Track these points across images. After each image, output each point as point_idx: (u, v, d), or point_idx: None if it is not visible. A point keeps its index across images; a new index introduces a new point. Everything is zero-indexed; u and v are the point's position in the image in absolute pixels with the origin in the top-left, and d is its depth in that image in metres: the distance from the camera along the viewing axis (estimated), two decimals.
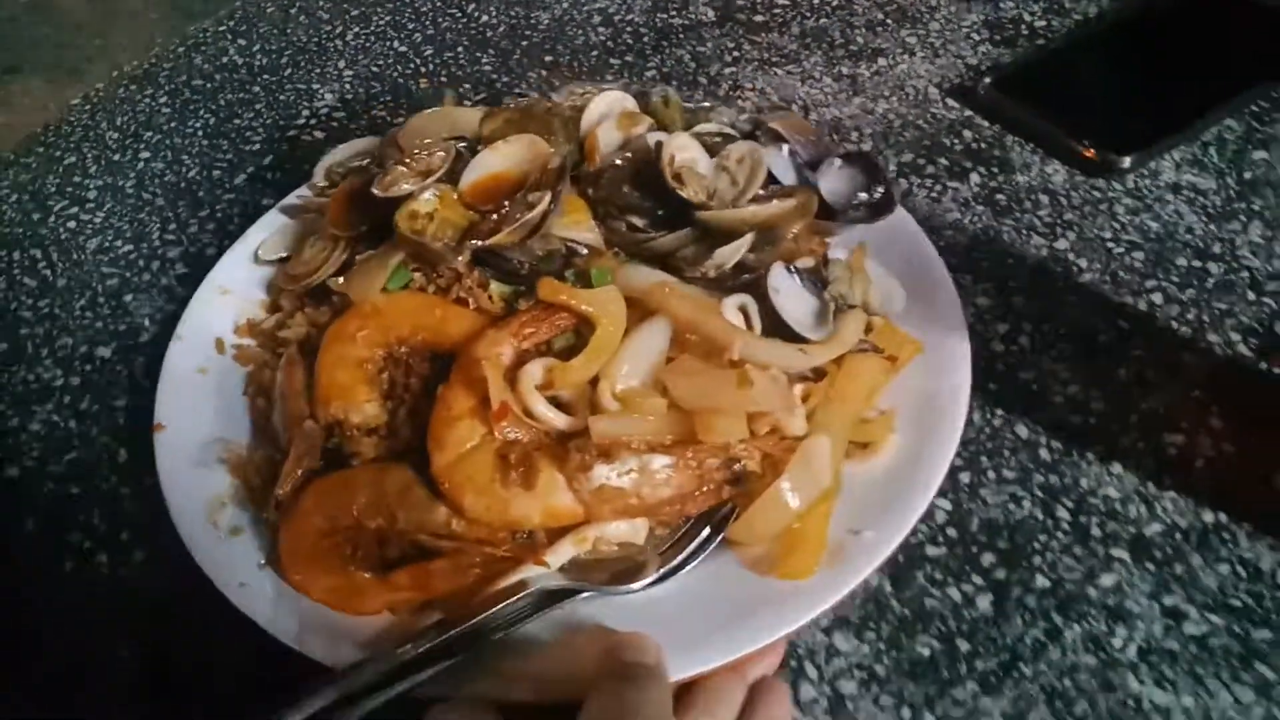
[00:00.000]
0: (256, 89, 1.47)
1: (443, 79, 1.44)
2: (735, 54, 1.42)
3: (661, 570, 0.78)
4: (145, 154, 1.37)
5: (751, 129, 1.06)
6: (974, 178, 1.19)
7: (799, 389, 0.86)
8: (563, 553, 0.79)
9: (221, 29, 1.60)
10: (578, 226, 0.90)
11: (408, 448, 0.84)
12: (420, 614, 0.77)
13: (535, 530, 0.79)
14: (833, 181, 1.06)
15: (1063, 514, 0.86)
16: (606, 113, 1.00)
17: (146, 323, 1.12)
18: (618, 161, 0.94)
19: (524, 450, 0.79)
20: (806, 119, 1.10)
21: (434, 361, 0.88)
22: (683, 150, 0.93)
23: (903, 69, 1.36)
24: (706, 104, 1.12)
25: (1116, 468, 0.88)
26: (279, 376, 0.89)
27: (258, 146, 1.36)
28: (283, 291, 0.99)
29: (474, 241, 0.85)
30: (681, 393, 0.81)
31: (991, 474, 0.90)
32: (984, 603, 0.81)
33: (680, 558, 0.78)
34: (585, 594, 0.76)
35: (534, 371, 0.82)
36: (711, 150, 0.97)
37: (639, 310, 0.86)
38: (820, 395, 0.86)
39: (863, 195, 1.05)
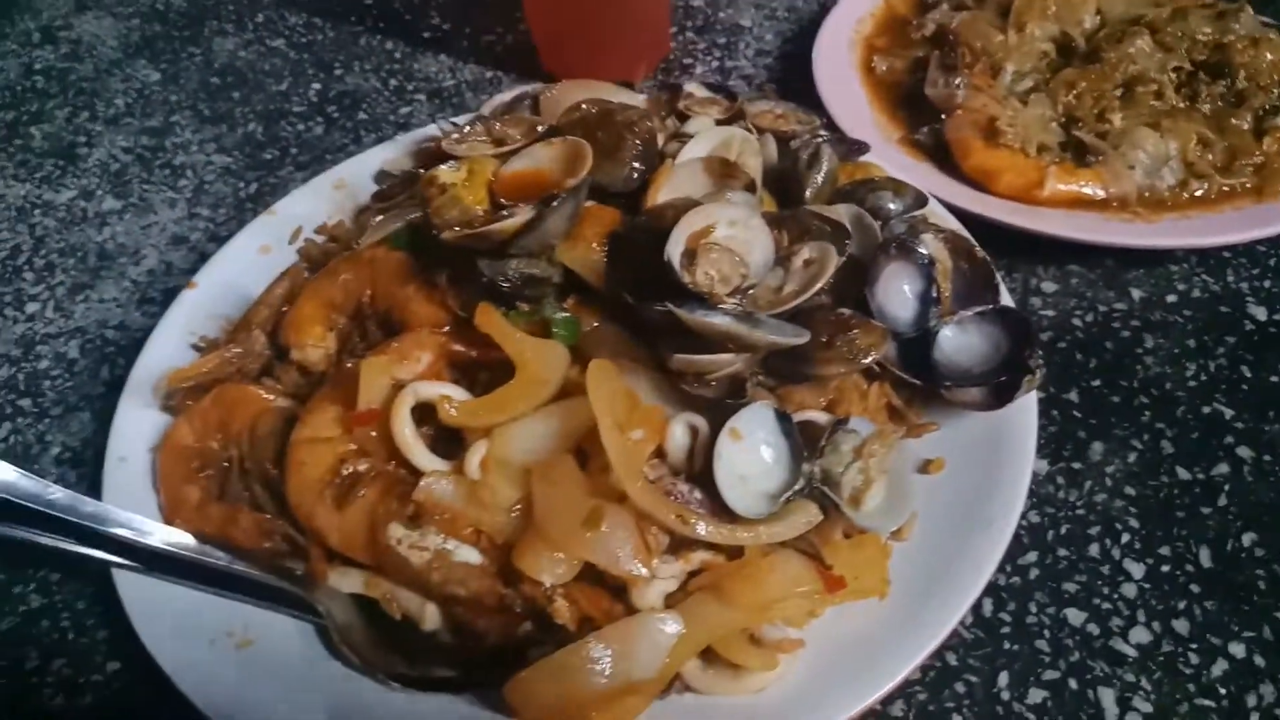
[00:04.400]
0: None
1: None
2: None
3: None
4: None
5: (897, 237, 0.83)
6: None
7: (694, 560, 0.68)
8: (350, 580, 0.72)
9: None
10: (583, 260, 0.78)
11: None
12: None
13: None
14: (963, 337, 0.81)
15: None
16: (711, 151, 0.83)
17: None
18: (665, 208, 0.78)
19: (360, 472, 0.72)
20: (978, 251, 0.83)
21: (389, 334, 0.82)
22: (734, 225, 0.75)
23: None
24: (880, 179, 0.90)
25: None
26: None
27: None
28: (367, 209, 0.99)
29: (449, 231, 0.76)
30: (535, 497, 0.68)
31: None
32: None
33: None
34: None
35: (421, 391, 0.73)
36: (801, 236, 0.78)
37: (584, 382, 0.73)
38: (710, 580, 0.67)
39: (982, 368, 0.79)
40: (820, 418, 0.74)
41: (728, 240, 0.75)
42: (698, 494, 0.69)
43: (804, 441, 0.71)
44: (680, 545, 0.69)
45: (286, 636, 0.72)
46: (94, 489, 0.82)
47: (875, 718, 0.71)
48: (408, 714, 0.68)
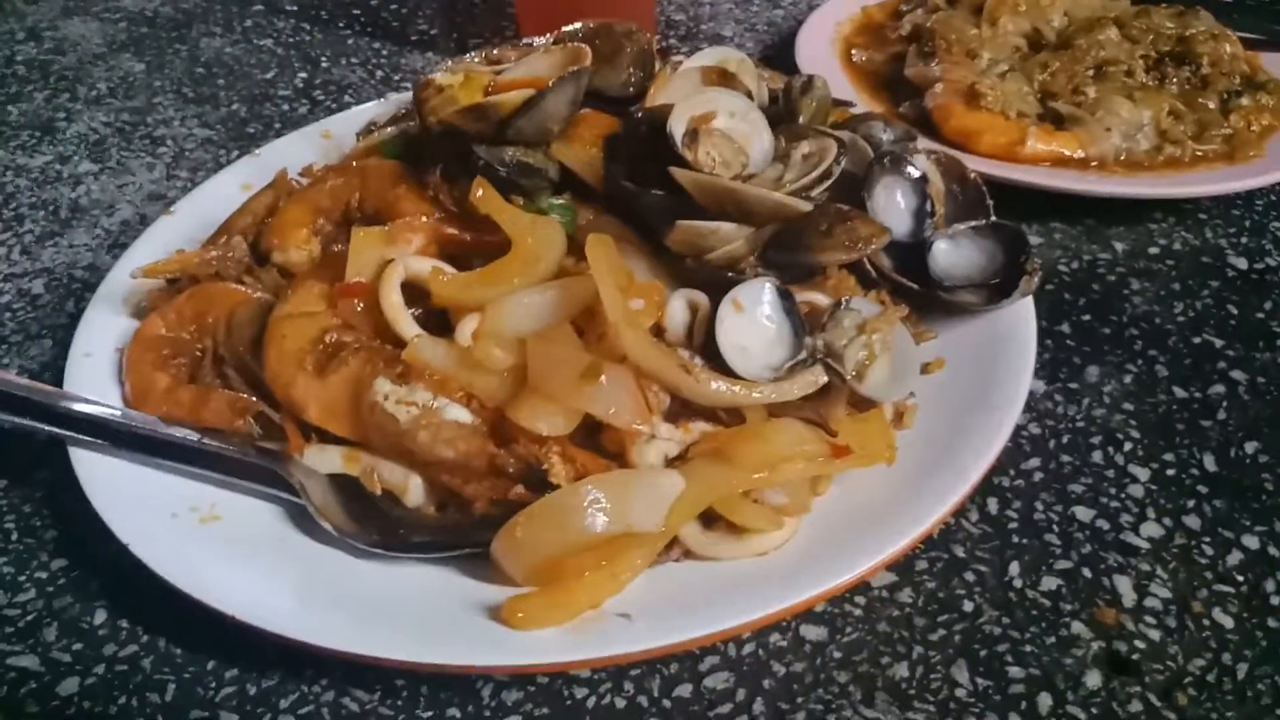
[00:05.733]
0: None
1: None
2: None
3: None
4: None
5: (890, 151, 0.84)
6: None
7: (694, 430, 0.65)
8: (327, 457, 0.68)
9: None
10: (579, 157, 0.77)
11: None
12: None
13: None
14: (957, 250, 0.81)
15: None
16: (704, 64, 0.84)
17: None
18: (664, 106, 0.78)
19: (343, 340, 0.69)
20: (970, 172, 0.84)
21: None
22: (734, 117, 0.75)
23: None
24: (872, 112, 0.91)
25: None
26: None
27: None
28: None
29: (437, 118, 0.75)
30: (530, 357, 0.65)
31: None
32: None
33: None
34: None
35: (411, 265, 0.71)
36: (796, 141, 0.78)
37: (582, 269, 0.71)
38: (711, 445, 0.64)
39: (983, 277, 0.79)
40: (821, 299, 0.72)
41: (729, 130, 0.75)
42: (698, 360, 0.67)
43: (806, 320, 0.70)
44: (680, 415, 0.66)
45: (255, 513, 0.68)
46: None
47: (883, 604, 0.67)
48: (384, 582, 0.63)
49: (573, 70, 0.75)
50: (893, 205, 0.82)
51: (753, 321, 0.69)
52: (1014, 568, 0.69)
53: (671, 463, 0.65)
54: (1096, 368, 0.85)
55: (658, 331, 0.70)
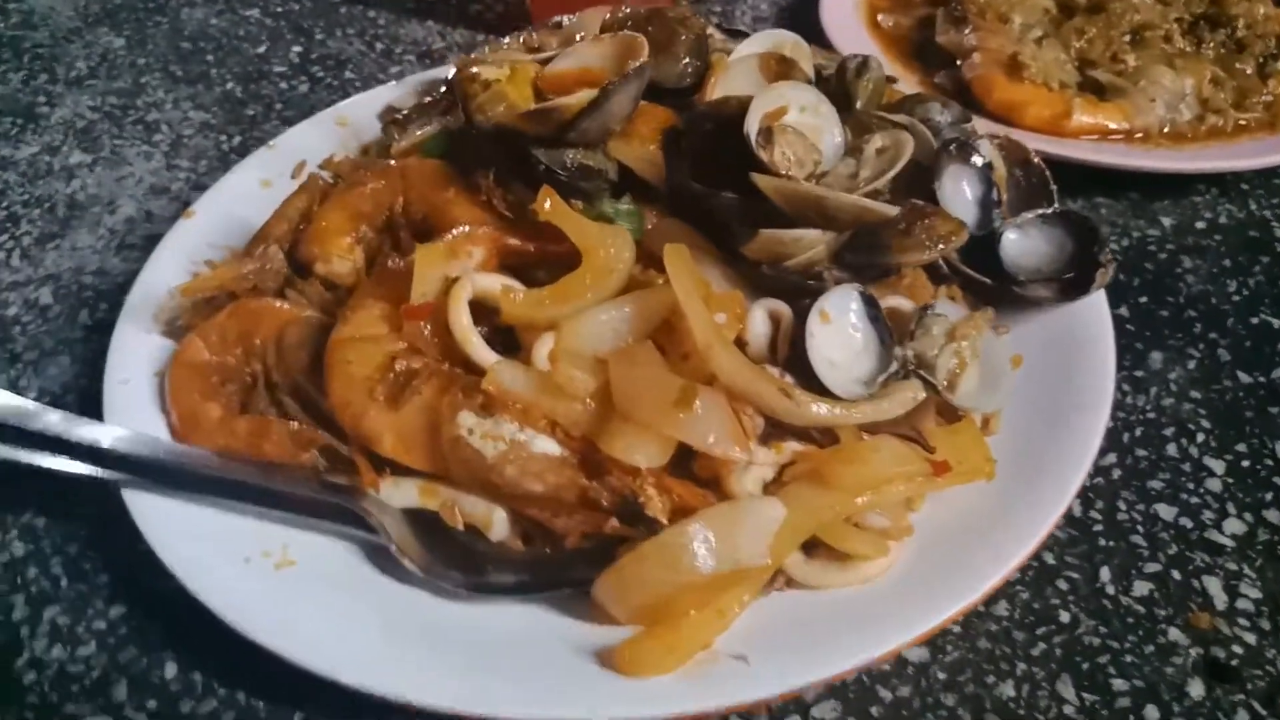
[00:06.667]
0: None
1: None
2: None
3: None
4: None
5: (956, 138, 0.81)
6: None
7: (786, 450, 0.63)
8: (403, 491, 0.65)
9: None
10: (638, 155, 0.73)
11: None
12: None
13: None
14: (1026, 241, 0.78)
15: None
16: (760, 50, 0.80)
17: None
18: (727, 99, 0.74)
19: (414, 368, 0.65)
20: (1034, 157, 0.82)
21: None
22: (804, 111, 0.72)
23: None
24: (926, 94, 0.88)
25: None
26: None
27: None
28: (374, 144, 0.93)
29: (489, 117, 0.71)
30: (615, 381, 0.62)
31: None
32: None
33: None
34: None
35: (479, 283, 0.67)
36: (862, 132, 0.75)
37: (652, 282, 0.68)
38: (808, 468, 0.62)
39: (1051, 268, 0.77)
40: (905, 304, 0.70)
41: (800, 125, 0.72)
42: (789, 378, 0.65)
43: (892, 327, 0.68)
44: (771, 435, 0.64)
45: (330, 554, 0.64)
46: None
47: (980, 619, 0.66)
48: (475, 625, 0.60)
49: (636, 66, 0.71)
50: (960, 195, 0.79)
51: (840, 332, 0.67)
52: (1104, 573, 0.68)
53: (767, 487, 0.63)
54: (1160, 353, 0.84)
55: (739, 344, 0.67)
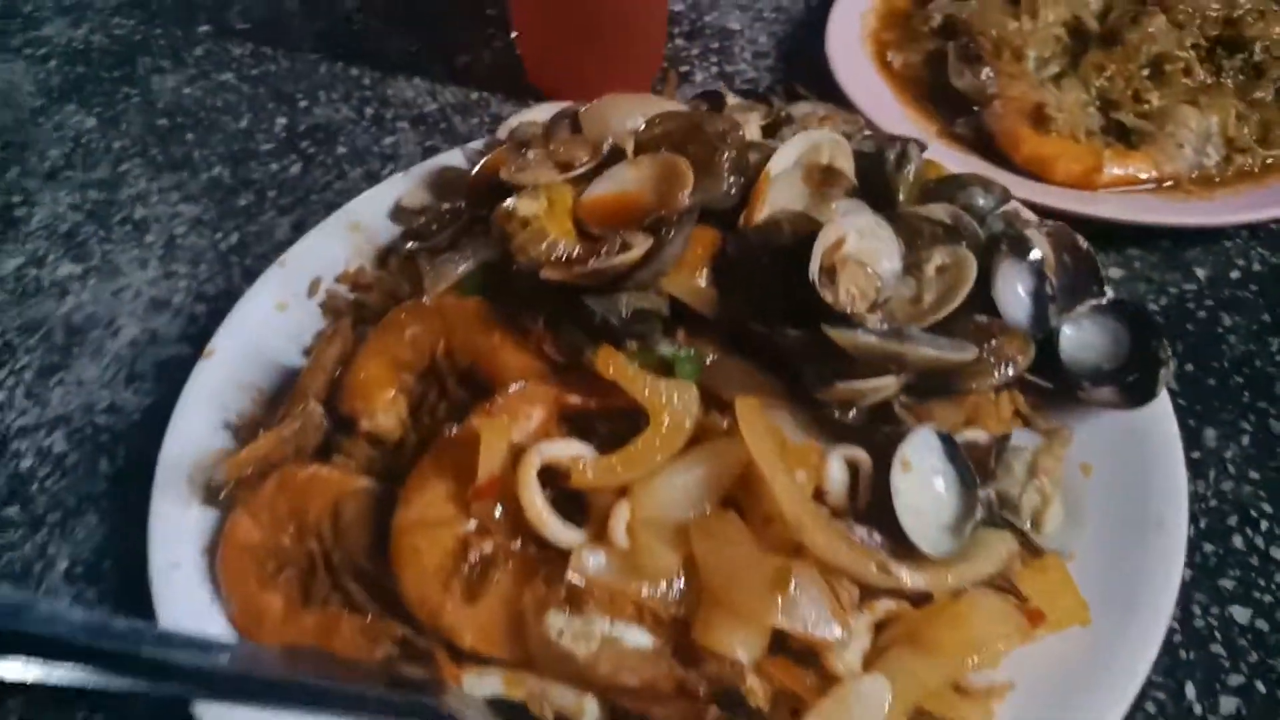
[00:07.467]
0: None
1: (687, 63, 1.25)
2: None
3: None
4: None
5: (1006, 231, 0.79)
6: None
7: (879, 609, 0.62)
8: (487, 682, 0.63)
9: None
10: (690, 288, 0.70)
11: (404, 474, 0.70)
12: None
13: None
14: (1082, 335, 0.77)
15: None
16: (800, 158, 0.77)
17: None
18: (778, 224, 0.71)
19: (489, 555, 0.63)
20: (1081, 241, 0.80)
21: (474, 391, 0.73)
22: (863, 236, 0.69)
23: None
24: (965, 175, 0.85)
25: None
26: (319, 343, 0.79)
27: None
28: (392, 251, 0.89)
29: (554, 270, 0.68)
30: (703, 562, 0.60)
31: None
32: None
33: None
34: None
35: (546, 453, 0.64)
36: (913, 239, 0.72)
37: (716, 427, 0.66)
38: (904, 630, 0.61)
39: (1110, 364, 0.76)
40: (981, 437, 0.68)
41: (857, 252, 0.69)
42: (877, 536, 0.63)
43: (972, 465, 0.66)
44: (863, 595, 0.63)
45: None
46: (124, 607, 0.70)
47: None
48: None
49: (687, 208, 0.68)
50: (1013, 294, 0.77)
51: (921, 477, 0.65)
52: (1190, 690, 0.68)
53: (865, 654, 0.61)
54: (1213, 430, 0.83)
55: (817, 495, 0.65)
